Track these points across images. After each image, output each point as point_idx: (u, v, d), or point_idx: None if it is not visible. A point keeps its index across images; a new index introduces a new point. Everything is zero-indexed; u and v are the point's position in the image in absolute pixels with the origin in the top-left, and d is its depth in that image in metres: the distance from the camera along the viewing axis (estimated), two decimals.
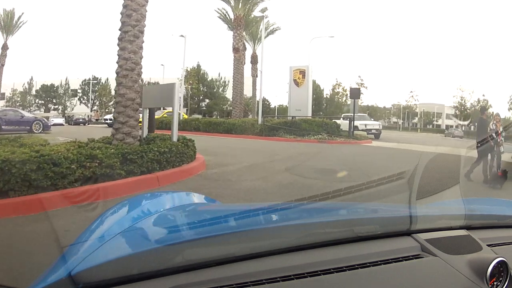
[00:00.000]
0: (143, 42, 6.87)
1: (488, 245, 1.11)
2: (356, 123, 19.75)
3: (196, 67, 55.79)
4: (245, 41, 29.47)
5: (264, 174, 6.85)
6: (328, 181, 6.45)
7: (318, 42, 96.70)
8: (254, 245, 0.95)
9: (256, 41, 34.20)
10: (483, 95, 64.32)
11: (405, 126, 66.96)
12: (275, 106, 56.43)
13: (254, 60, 33.66)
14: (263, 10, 22.43)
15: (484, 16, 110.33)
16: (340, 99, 56.99)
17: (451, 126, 65.09)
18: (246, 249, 0.94)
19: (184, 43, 27.59)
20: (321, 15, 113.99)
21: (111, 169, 5.05)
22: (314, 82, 47.31)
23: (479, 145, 7.05)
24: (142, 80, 7.17)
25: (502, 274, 0.98)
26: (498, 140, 7.33)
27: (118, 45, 6.75)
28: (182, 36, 27.83)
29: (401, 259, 0.99)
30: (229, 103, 48.24)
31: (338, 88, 57.17)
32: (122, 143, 6.23)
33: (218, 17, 29.95)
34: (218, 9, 29.80)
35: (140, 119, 7.20)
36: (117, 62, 6.70)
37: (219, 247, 0.94)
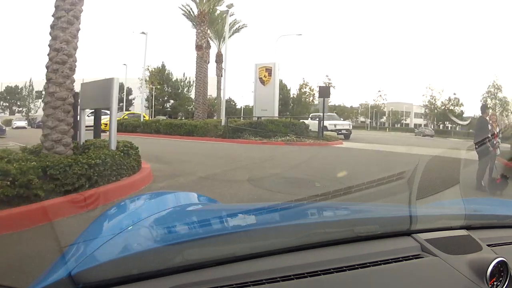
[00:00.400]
0: (78, 30, 5.72)
1: (488, 245, 1.11)
2: (325, 123, 18.83)
3: (160, 67, 53.76)
4: (209, 39, 28.42)
5: (221, 188, 5.72)
6: (301, 194, 5.38)
7: (286, 41, 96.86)
8: (254, 245, 0.95)
9: (222, 39, 32.09)
10: (454, 94, 63.86)
11: (373, 126, 66.85)
12: (241, 107, 55.05)
13: (219, 59, 31.66)
14: (229, 6, 21.11)
15: (452, 15, 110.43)
16: (307, 99, 56.25)
17: (420, 125, 64.95)
18: (246, 249, 0.94)
19: (146, 41, 25.47)
20: (288, 13, 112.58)
21: (26, 189, 3.80)
22: (280, 82, 46.51)
23: (477, 147, 6.61)
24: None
25: (502, 274, 0.98)
26: (495, 142, 6.83)
27: (50, 34, 5.59)
28: (143, 33, 25.71)
29: (401, 259, 0.99)
30: (194, 104, 45.72)
31: (305, 88, 56.59)
32: (52, 153, 5.08)
33: (183, 14, 28.37)
34: (183, 5, 28.00)
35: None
36: (48, 55, 5.53)
37: (219, 247, 0.94)
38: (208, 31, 26.95)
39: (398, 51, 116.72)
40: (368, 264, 0.95)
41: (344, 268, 0.92)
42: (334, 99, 69.86)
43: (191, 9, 27.45)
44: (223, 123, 17.84)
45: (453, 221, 1.25)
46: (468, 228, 1.20)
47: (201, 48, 23.90)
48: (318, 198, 2.07)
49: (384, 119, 70.45)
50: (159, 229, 1.14)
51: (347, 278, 0.90)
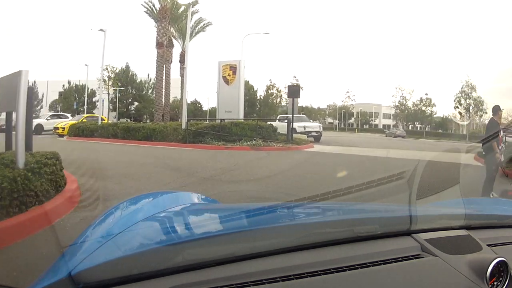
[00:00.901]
0: None
1: (488, 245, 1.11)
2: (294, 125, 17.49)
3: (124, 68, 51.97)
4: (172, 38, 26.81)
5: None
6: None
7: (253, 41, 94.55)
8: (254, 245, 0.95)
9: (186, 38, 30.66)
10: (426, 94, 62.57)
11: (341, 127, 66.59)
12: (208, 109, 54.60)
13: (184, 59, 29.34)
14: (193, 3, 20.08)
15: (420, 16, 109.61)
16: (274, 100, 55.52)
17: (388, 126, 65.35)
18: (246, 249, 0.94)
19: (104, 38, 23.20)
20: (255, 13, 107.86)
21: None
22: (247, 83, 45.01)
23: (484, 153, 6.03)
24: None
25: (502, 274, 0.98)
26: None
27: None
28: (101, 30, 23.38)
29: (401, 259, 0.99)
30: (154, 105, 43.79)
31: (272, 89, 55.65)
32: None
33: (145, 11, 26.03)
34: (145, 2, 25.65)
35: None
36: None
37: (219, 247, 0.94)
38: (172, 30, 25.49)
39: (366, 52, 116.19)
40: (368, 264, 0.95)
41: (344, 268, 0.92)
42: (302, 100, 69.43)
43: (153, 5, 25.26)
44: (184, 126, 15.71)
45: (453, 221, 1.25)
46: (468, 228, 1.20)
47: (162, 46, 22.19)
48: (318, 198, 2.07)
49: (352, 120, 70.22)
50: (159, 229, 1.14)
51: (347, 278, 0.90)
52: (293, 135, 16.61)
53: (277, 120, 20.57)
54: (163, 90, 23.54)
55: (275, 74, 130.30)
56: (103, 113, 39.66)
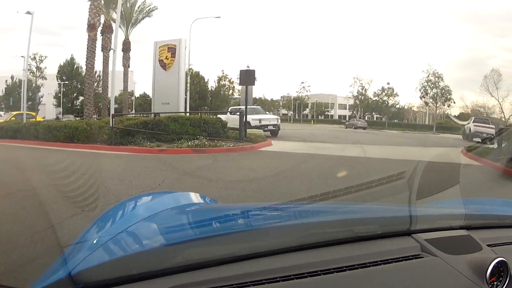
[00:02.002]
0: None
1: (488, 245, 1.11)
2: (248, 118, 14.50)
3: (69, 60, 47.97)
4: (113, 23, 23.01)
5: None
6: None
7: (203, 29, 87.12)
8: (254, 245, 0.95)
9: (130, 24, 27.30)
10: (388, 83, 57.97)
11: (295, 118, 64.47)
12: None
13: (127, 47, 26.70)
14: None
15: (376, 4, 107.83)
16: (226, 92, 52.28)
17: (344, 116, 63.59)
18: (246, 249, 0.94)
19: (31, 22, 20.18)
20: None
21: None
22: (198, 73, 43.03)
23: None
24: None
25: (502, 274, 0.98)
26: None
27: None
28: (28, 13, 20.14)
29: (401, 259, 0.99)
30: (84, 99, 38.34)
31: (224, 80, 52.35)
32: None
33: None
34: None
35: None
36: None
37: (219, 247, 0.94)
38: (113, 15, 21.72)
39: (321, 41, 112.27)
40: (368, 264, 0.95)
41: (344, 268, 0.92)
42: (255, 92, 65.92)
43: None
44: (112, 123, 12.31)
45: (453, 221, 1.25)
46: (468, 228, 1.20)
47: (94, 28, 18.53)
48: (318, 198, 2.07)
49: (307, 111, 67.76)
50: (159, 229, 1.14)
51: (347, 278, 0.90)
52: (247, 130, 13.69)
53: (228, 113, 17.59)
54: (97, 80, 20.20)
55: (228, 64, 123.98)
56: (44, 109, 37.58)
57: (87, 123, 13.47)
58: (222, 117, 15.06)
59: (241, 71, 15.21)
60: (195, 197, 1.67)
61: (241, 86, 14.77)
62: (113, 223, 1.26)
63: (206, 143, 11.10)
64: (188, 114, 15.50)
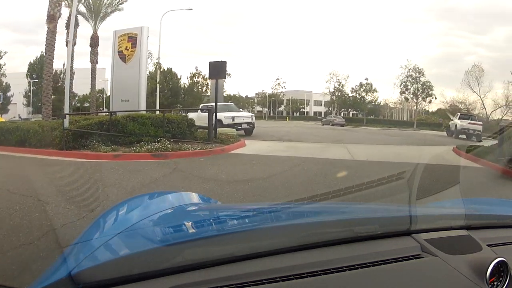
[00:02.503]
0: None
1: (488, 245, 1.11)
2: (219, 116, 13.17)
3: (39, 58, 44.81)
4: (81, 16, 22.58)
5: None
6: None
7: (175, 27, 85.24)
8: (254, 245, 0.95)
9: (99, 18, 25.53)
10: (366, 79, 54.70)
11: (270, 115, 62.46)
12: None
13: (95, 42, 25.02)
14: None
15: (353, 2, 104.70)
16: (200, 89, 49.07)
17: (320, 113, 61.63)
18: (246, 249, 0.94)
19: None
20: None
21: None
22: (170, 70, 41.57)
23: None
24: None
25: (502, 274, 0.98)
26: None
27: None
28: None
29: (401, 259, 0.99)
30: (77, 98, 40.41)
31: (198, 77, 49.05)
32: None
33: None
34: None
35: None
36: None
37: (219, 247, 0.94)
38: (80, 7, 20.54)
39: (297, 37, 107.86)
40: (368, 264, 0.95)
41: (344, 268, 0.92)
42: (230, 89, 64.79)
43: None
44: (66, 124, 10.52)
45: (453, 221, 1.26)
46: (468, 228, 1.20)
47: (54, 20, 16.11)
48: (318, 198, 2.07)
49: (282, 107, 65.88)
50: (159, 229, 1.14)
51: (347, 278, 0.90)
52: (219, 129, 12.42)
53: (199, 111, 16.00)
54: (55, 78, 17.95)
55: (203, 61, 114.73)
56: (15, 108, 35.39)
57: (39, 124, 11.71)
58: (193, 115, 13.82)
59: (210, 63, 12.15)
60: (195, 197, 1.67)
61: (210, 80, 12.03)
62: (113, 223, 1.26)
63: (169, 146, 9.46)
64: (151, 112, 13.73)
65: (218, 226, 1.20)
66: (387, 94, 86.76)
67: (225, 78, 13.91)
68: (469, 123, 21.38)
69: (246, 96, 67.51)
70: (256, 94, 67.73)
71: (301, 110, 68.20)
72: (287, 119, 55.81)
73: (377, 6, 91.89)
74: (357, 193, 2.09)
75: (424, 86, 44.88)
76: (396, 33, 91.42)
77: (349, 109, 58.47)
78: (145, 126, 10.57)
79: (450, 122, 24.61)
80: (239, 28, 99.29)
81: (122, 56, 14.18)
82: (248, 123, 15.98)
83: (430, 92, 44.99)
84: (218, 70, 12.15)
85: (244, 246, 0.96)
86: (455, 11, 69.84)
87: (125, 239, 1.01)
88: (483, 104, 40.15)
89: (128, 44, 13.97)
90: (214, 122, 11.49)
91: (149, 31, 14.34)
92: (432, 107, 49.83)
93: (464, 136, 20.80)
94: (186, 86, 48.50)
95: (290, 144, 12.42)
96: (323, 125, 38.36)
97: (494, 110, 38.98)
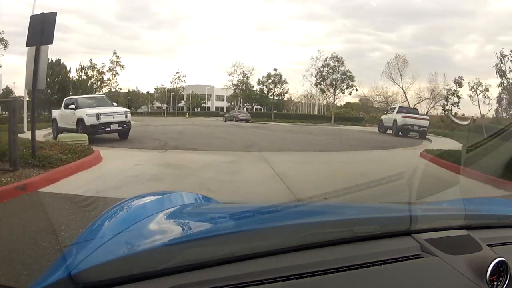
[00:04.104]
0: None
1: (488, 245, 1.11)
2: (80, 113, 10.61)
3: None
4: None
5: None
6: None
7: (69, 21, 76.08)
8: (254, 245, 0.95)
9: None
10: (275, 69, 48.05)
11: (170, 111, 58.53)
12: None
13: None
14: None
15: None
16: (94, 84, 44.02)
17: (222, 108, 58.16)
18: (246, 249, 0.94)
19: None
20: None
21: None
22: (59, 61, 37.58)
23: None
24: None
25: (502, 274, 0.98)
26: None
27: None
28: None
29: (401, 259, 0.99)
30: None
31: (93, 71, 43.89)
32: None
33: None
34: None
35: None
36: None
37: (219, 247, 0.94)
38: None
39: (198, 29, 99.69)
40: (368, 264, 0.95)
41: (344, 268, 0.92)
42: (130, 84, 61.50)
43: None
44: None
45: (453, 221, 1.26)
46: (468, 228, 1.20)
47: None
48: (318, 198, 2.07)
49: (182, 103, 61.75)
50: (159, 229, 1.14)
51: (347, 278, 0.90)
52: (62, 134, 9.33)
53: (62, 107, 12.81)
54: None
55: (95, 53, 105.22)
56: None
57: None
58: (56, 113, 11.45)
59: (31, 17, 7.02)
60: (195, 197, 1.67)
61: (28, 48, 6.66)
62: (113, 223, 1.26)
63: None
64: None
65: (218, 226, 1.20)
66: (294, 88, 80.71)
67: (51, 43, 6.91)
68: (413, 118, 19.16)
69: (148, 92, 63.34)
70: (155, 89, 63.09)
71: (203, 105, 64.29)
72: (187, 116, 51.03)
73: (282, 3, 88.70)
74: (357, 193, 2.09)
75: (344, 76, 40.60)
76: (302, 29, 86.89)
77: (253, 104, 53.26)
78: None
79: (384, 117, 22.18)
80: (144, 24, 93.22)
81: None
82: (120, 123, 11.84)
83: (350, 83, 40.66)
84: (39, 30, 6.64)
85: (244, 246, 0.96)
86: (362, 9, 69.16)
87: (125, 239, 1.01)
88: (406, 97, 38.46)
89: None
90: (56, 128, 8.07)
91: None
92: (340, 101, 46.56)
93: (403, 133, 18.49)
94: (75, 80, 42.23)
95: (173, 156, 8.09)
96: (225, 121, 34.91)
97: (419, 103, 37.12)
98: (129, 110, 12.99)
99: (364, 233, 1.07)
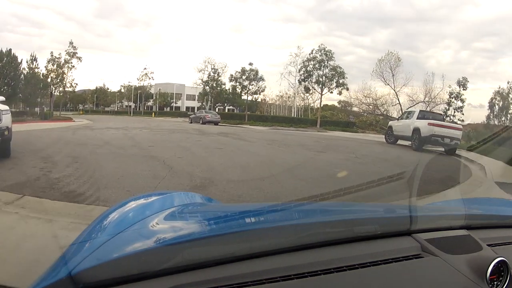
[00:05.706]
0: None
1: (488, 245, 1.11)
2: None
3: None
4: None
5: None
6: None
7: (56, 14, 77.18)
8: (254, 245, 0.95)
9: None
10: (250, 64, 41.39)
11: (137, 110, 56.29)
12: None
13: None
14: None
15: None
16: (54, 80, 39.77)
17: (193, 108, 53.89)
18: (246, 249, 0.94)
19: None
20: None
21: None
22: (9, 52, 34.13)
23: None
24: None
25: (502, 273, 0.99)
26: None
27: None
28: None
29: (401, 259, 0.99)
30: None
31: (54, 65, 39.41)
32: None
33: None
34: None
35: None
36: None
37: (219, 247, 0.94)
38: None
39: (167, 25, 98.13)
40: (368, 264, 0.95)
41: (344, 268, 0.92)
42: (96, 82, 58.54)
43: None
44: None
45: (453, 221, 1.26)
46: (468, 228, 1.20)
47: None
48: (318, 198, 2.07)
49: (151, 102, 59.49)
50: (159, 229, 1.14)
51: (347, 278, 0.90)
52: None
53: None
54: None
55: (57, 44, 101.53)
56: None
57: None
58: None
59: None
60: (195, 197, 1.66)
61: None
62: (113, 223, 1.25)
63: None
64: None
65: (218, 225, 1.20)
66: (270, 89, 77.09)
67: None
68: (444, 127, 14.19)
69: (119, 91, 60.83)
70: (121, 86, 60.22)
71: (172, 105, 61.18)
72: (153, 115, 48.94)
73: (256, 4, 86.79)
74: (357, 193, 2.10)
75: (334, 72, 34.82)
76: (277, 31, 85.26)
77: (226, 104, 49.53)
78: None
79: (394, 123, 16.98)
80: (118, 22, 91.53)
81: None
82: None
83: (341, 81, 34.78)
84: None
85: (244, 246, 0.96)
86: (336, 13, 69.71)
87: (125, 239, 1.01)
88: (398, 99, 34.74)
89: None
90: None
91: None
92: (315, 103, 41.97)
93: (430, 146, 13.89)
94: (28, 74, 37.90)
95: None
96: (191, 122, 30.13)
97: (412, 106, 32.90)
98: (7, 108, 7.34)
99: (364, 233, 1.07)
